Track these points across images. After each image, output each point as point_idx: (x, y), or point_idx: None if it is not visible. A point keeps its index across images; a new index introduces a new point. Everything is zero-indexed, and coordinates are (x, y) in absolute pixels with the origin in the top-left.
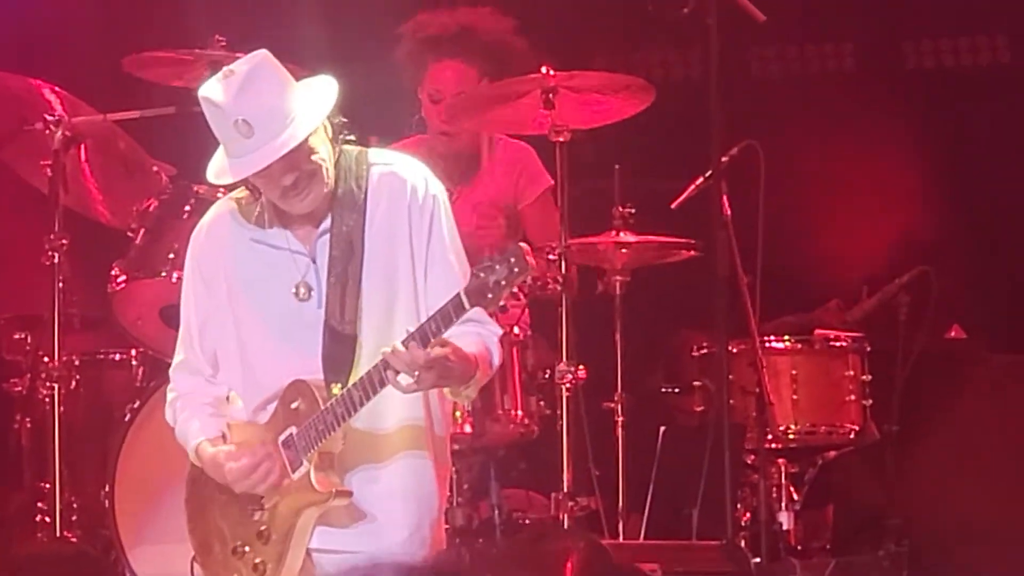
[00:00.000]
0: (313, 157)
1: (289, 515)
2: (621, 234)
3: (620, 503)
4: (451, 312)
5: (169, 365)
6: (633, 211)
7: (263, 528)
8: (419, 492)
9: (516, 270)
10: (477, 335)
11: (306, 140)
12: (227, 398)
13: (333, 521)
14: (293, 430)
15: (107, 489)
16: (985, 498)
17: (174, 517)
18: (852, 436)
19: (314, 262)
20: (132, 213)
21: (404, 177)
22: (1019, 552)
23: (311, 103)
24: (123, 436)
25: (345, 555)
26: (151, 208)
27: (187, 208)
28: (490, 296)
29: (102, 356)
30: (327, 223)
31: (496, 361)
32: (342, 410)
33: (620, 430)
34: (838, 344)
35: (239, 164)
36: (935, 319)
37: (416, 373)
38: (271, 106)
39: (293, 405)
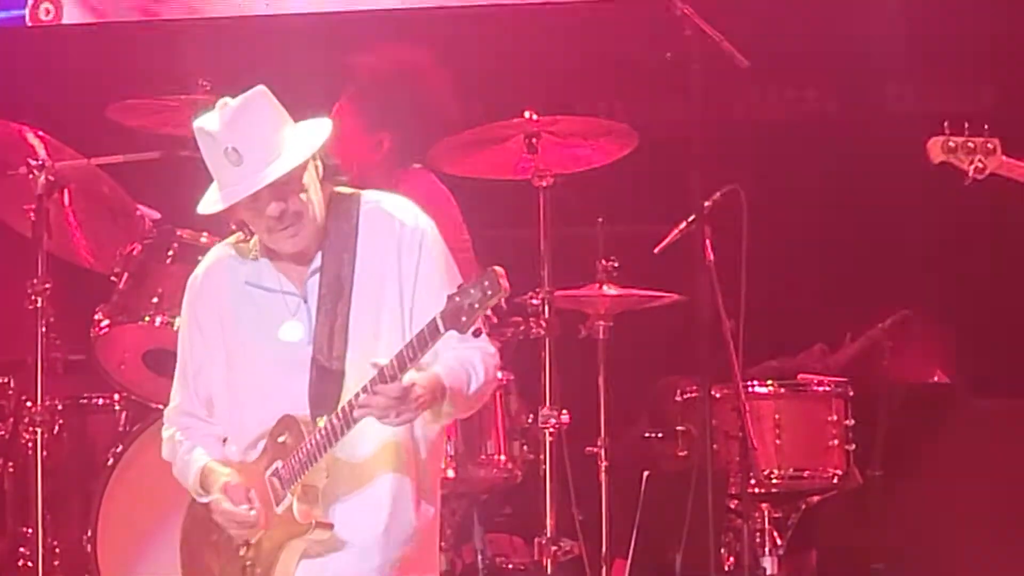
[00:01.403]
0: (302, 195)
1: (273, 549)
2: (604, 287)
3: (604, 548)
4: (427, 336)
5: (152, 409)
6: (616, 264)
7: (248, 564)
8: (394, 515)
9: (489, 293)
10: (454, 353)
11: (295, 175)
12: (223, 440)
13: (315, 554)
14: (279, 464)
15: (90, 534)
16: (968, 543)
17: (156, 562)
18: (835, 480)
19: (305, 302)
20: (116, 257)
21: (392, 213)
22: None
23: (302, 139)
24: (106, 481)
25: None
26: (134, 253)
27: (170, 253)
28: (464, 319)
29: (85, 401)
30: (317, 262)
31: (481, 374)
32: (323, 441)
33: (603, 475)
34: (821, 389)
35: (227, 192)
36: (918, 364)
37: (391, 413)
38: (261, 136)
39: (280, 439)
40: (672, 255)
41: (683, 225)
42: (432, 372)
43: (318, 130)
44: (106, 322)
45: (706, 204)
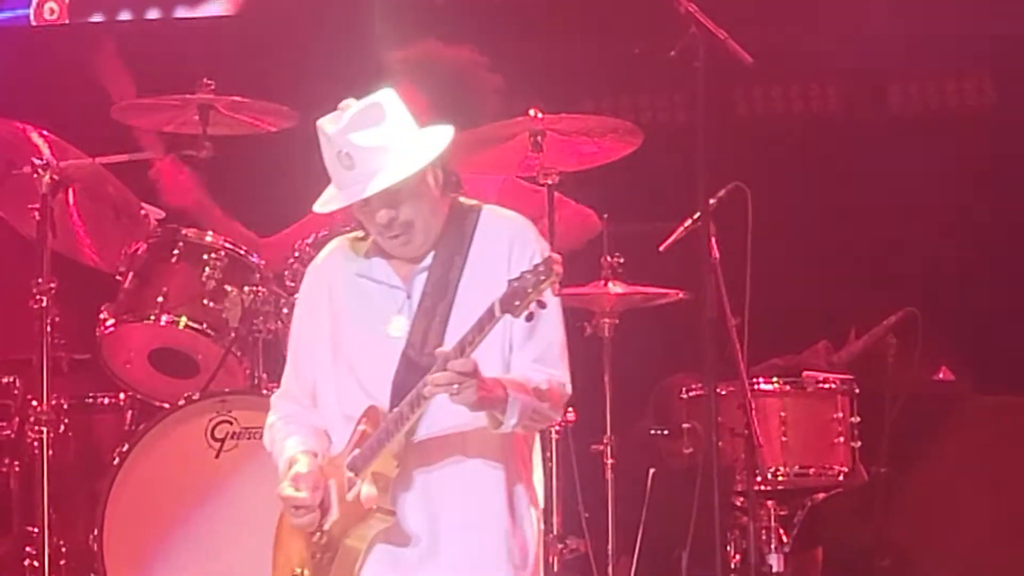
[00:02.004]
0: (413, 204)
1: (339, 535)
2: (609, 284)
3: (610, 545)
4: (484, 321)
5: (158, 408)
6: (622, 260)
7: (318, 550)
8: (481, 514)
9: (543, 278)
10: (522, 372)
11: (407, 185)
12: (324, 431)
13: (400, 549)
14: (356, 452)
15: (96, 533)
16: (974, 539)
17: (163, 561)
18: (841, 478)
19: (409, 297)
20: (120, 257)
21: (508, 227)
22: None
23: (416, 150)
24: (112, 480)
25: None
26: (139, 252)
27: (175, 252)
28: (517, 303)
29: (91, 400)
30: (428, 261)
31: (544, 394)
32: (392, 427)
33: (609, 472)
34: (827, 386)
35: (337, 195)
36: (923, 361)
37: (455, 387)
38: (375, 144)
39: (360, 428)
40: (677, 252)
41: (688, 223)
42: (495, 376)
43: (434, 141)
44: (111, 321)
45: (711, 201)
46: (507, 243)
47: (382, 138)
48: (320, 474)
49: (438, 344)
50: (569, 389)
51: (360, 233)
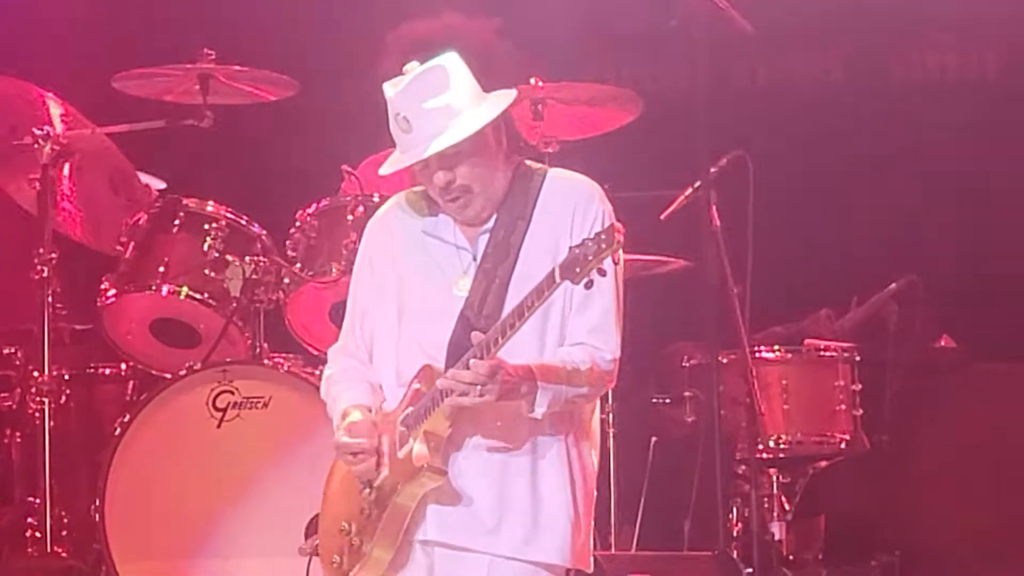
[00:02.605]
0: (472, 167)
1: (389, 492)
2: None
3: (611, 514)
4: (544, 287)
5: (159, 378)
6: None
7: (367, 506)
8: (535, 481)
9: (604, 246)
10: (563, 350)
11: (464, 148)
12: (379, 387)
13: (452, 511)
14: (410, 410)
15: (98, 504)
16: (976, 506)
17: (165, 531)
18: (843, 446)
19: (475, 259)
20: (121, 229)
21: (573, 190)
22: (1010, 559)
23: (475, 113)
24: (113, 450)
25: (458, 552)
26: (140, 222)
27: (176, 222)
28: (578, 270)
29: (92, 370)
30: (491, 223)
31: (583, 373)
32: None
33: (611, 441)
34: (828, 354)
35: (397, 158)
36: (925, 329)
37: (479, 389)
38: (432, 107)
39: (415, 386)
40: (678, 221)
41: (689, 191)
42: (525, 364)
43: (496, 103)
44: (112, 291)
45: (712, 170)
46: (571, 207)
47: (440, 101)
48: (373, 427)
49: (497, 307)
50: (617, 355)
51: (423, 188)
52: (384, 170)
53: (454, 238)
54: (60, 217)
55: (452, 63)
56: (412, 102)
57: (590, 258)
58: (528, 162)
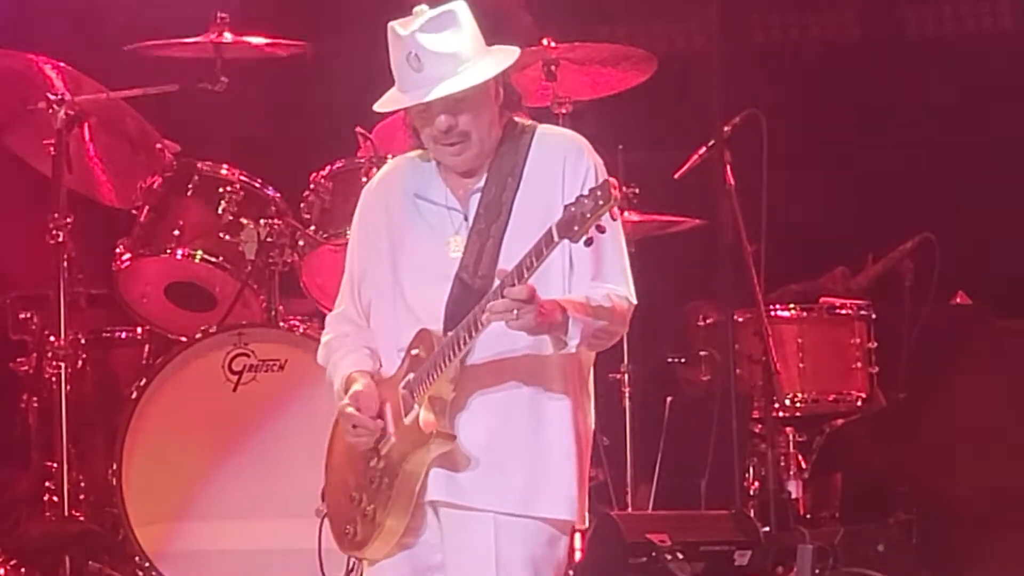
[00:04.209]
0: (474, 116)
1: (399, 460)
2: (625, 213)
3: (628, 474)
4: (543, 245)
5: (175, 342)
6: (637, 191)
7: (376, 475)
8: (538, 439)
9: (601, 202)
10: (583, 291)
11: (470, 95)
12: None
13: (455, 472)
14: (411, 376)
15: (115, 467)
16: (993, 463)
17: (182, 494)
18: (859, 404)
19: (466, 219)
20: (136, 192)
21: (563, 145)
22: None
23: (485, 62)
24: (130, 414)
25: (464, 511)
26: (155, 186)
27: (191, 186)
28: (576, 228)
29: (108, 334)
30: (481, 181)
31: (607, 311)
32: (447, 350)
33: (627, 401)
34: (843, 312)
35: (402, 96)
36: (940, 285)
37: (513, 314)
38: (446, 50)
39: (414, 352)
40: (693, 180)
41: (703, 150)
42: (553, 298)
43: (503, 57)
44: (127, 255)
45: (726, 129)
46: (560, 162)
47: (453, 45)
48: (377, 396)
49: (492, 266)
50: (634, 300)
51: (415, 154)
52: (381, 106)
53: (445, 200)
54: (83, 178)
55: (461, 9)
56: (426, 41)
57: (588, 215)
58: (517, 119)
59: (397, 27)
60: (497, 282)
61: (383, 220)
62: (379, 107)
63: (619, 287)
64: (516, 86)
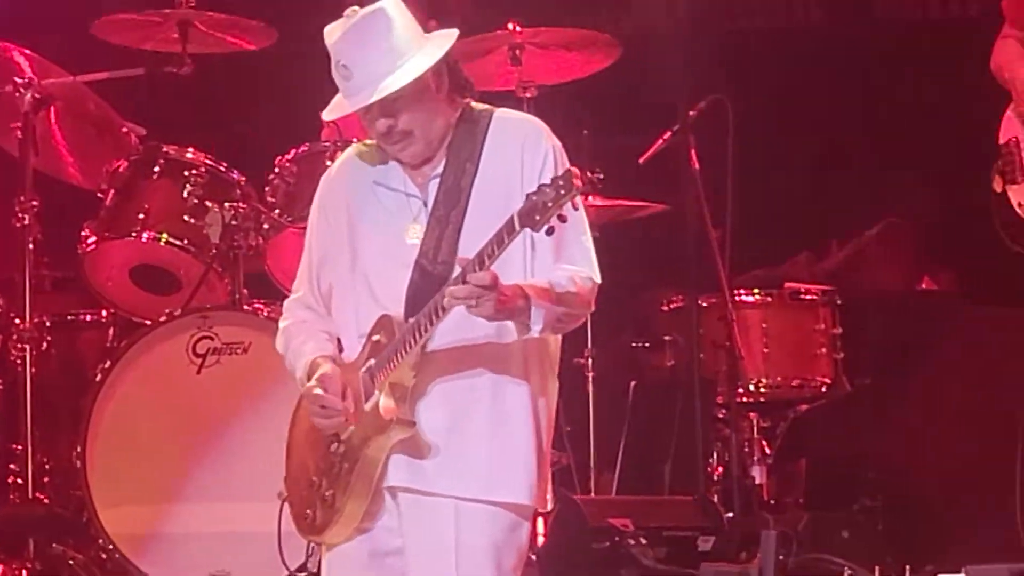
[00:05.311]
0: (411, 114)
1: (359, 445)
2: (590, 198)
3: (591, 458)
4: (504, 234)
5: (140, 325)
6: (601, 176)
7: (336, 460)
8: (499, 424)
9: (563, 192)
10: (546, 275)
11: (405, 93)
12: (337, 339)
13: (416, 458)
14: (372, 362)
15: (79, 450)
16: (959, 450)
17: (146, 477)
18: (824, 389)
19: (425, 205)
20: (103, 174)
21: (520, 129)
22: (994, 503)
23: (416, 59)
24: (95, 397)
25: (424, 497)
26: (121, 169)
27: (156, 169)
28: (537, 217)
29: (73, 317)
30: (440, 168)
31: (572, 294)
32: (409, 336)
33: (591, 386)
34: (808, 297)
35: (337, 104)
36: (905, 271)
37: (475, 300)
38: (372, 55)
39: (375, 338)
40: (657, 165)
41: (668, 135)
42: (515, 283)
43: (435, 48)
44: (93, 238)
45: (691, 114)
46: (518, 147)
47: (379, 47)
48: (342, 380)
49: (451, 253)
50: (597, 279)
51: (374, 140)
52: (327, 115)
53: (404, 186)
54: (50, 160)
55: (392, 6)
56: (351, 48)
57: (549, 204)
58: (474, 104)
59: (327, 36)
60: (458, 270)
61: (343, 206)
62: (326, 115)
63: (582, 268)
64: (467, 71)
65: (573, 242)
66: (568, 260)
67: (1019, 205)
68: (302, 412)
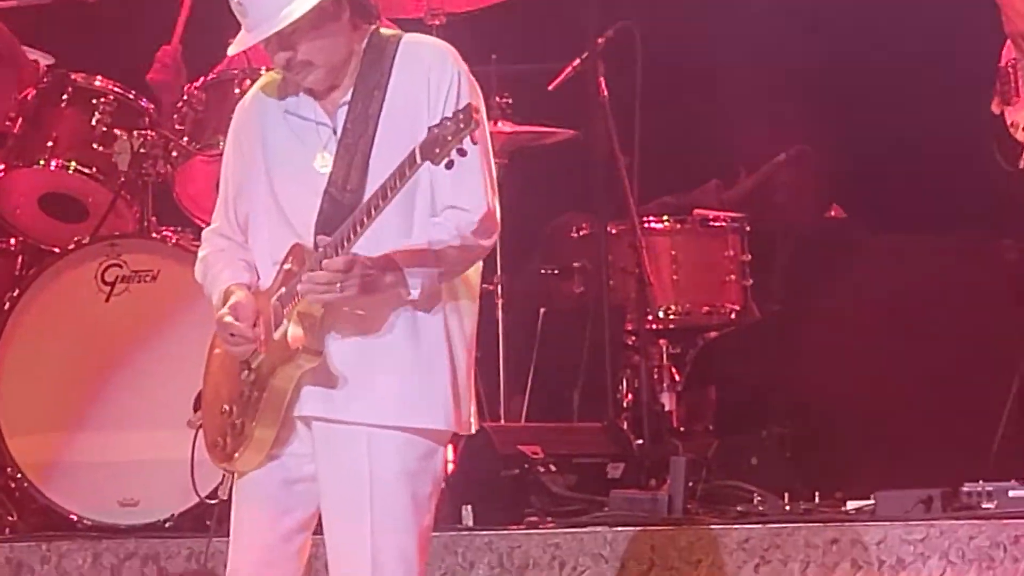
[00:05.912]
0: (309, 45)
1: (267, 373)
2: (499, 124)
3: (501, 386)
4: (405, 167)
5: (49, 253)
6: (510, 101)
7: (246, 388)
8: (411, 350)
9: (462, 126)
10: (430, 230)
11: (301, 25)
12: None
13: (327, 387)
14: (283, 290)
15: None
16: (866, 377)
17: (55, 405)
18: (733, 316)
19: (335, 132)
20: (9, 103)
21: (426, 54)
22: (900, 430)
23: None
24: (2, 325)
25: (336, 425)
26: (29, 97)
27: (64, 97)
28: (437, 151)
29: None
30: (348, 96)
31: (450, 242)
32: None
33: (500, 312)
34: (717, 224)
35: (239, 39)
36: (814, 199)
37: (339, 286)
38: None
39: (287, 266)
40: (566, 92)
41: (576, 62)
42: (384, 254)
43: None
44: (1, 167)
45: (599, 41)
46: (424, 72)
47: None
48: (255, 308)
49: (361, 181)
50: (485, 210)
51: None
52: (231, 50)
53: (314, 114)
54: None
55: None
56: None
57: (449, 138)
58: (382, 30)
59: None
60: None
61: (257, 136)
62: (230, 51)
63: (470, 207)
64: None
65: (468, 180)
66: (456, 201)
67: (1012, 125)
68: (218, 340)
